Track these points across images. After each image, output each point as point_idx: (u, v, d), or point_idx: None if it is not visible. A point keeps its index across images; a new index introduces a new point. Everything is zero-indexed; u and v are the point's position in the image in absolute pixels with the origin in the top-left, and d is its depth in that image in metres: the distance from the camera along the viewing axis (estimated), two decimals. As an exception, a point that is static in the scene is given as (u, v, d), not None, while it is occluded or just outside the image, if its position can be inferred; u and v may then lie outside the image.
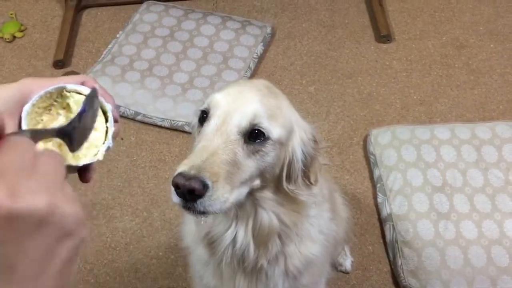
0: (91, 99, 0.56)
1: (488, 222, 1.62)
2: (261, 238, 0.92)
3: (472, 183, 1.71)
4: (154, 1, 2.51)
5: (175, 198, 0.74)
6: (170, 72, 2.18)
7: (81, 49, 2.42)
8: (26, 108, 0.54)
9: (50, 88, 0.56)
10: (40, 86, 0.56)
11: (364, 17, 2.47)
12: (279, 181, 0.88)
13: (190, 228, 1.07)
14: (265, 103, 0.82)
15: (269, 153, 0.82)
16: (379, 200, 1.76)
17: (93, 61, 2.32)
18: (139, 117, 2.07)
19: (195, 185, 0.70)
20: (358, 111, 2.08)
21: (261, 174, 0.83)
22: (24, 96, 0.55)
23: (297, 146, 0.87)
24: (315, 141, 0.90)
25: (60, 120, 0.58)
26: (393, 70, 2.24)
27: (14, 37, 2.48)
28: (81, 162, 0.56)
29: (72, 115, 0.58)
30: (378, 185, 1.80)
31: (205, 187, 0.71)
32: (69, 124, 0.53)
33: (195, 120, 0.90)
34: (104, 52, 2.30)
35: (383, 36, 2.33)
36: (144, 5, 2.48)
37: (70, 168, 0.56)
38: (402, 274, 1.58)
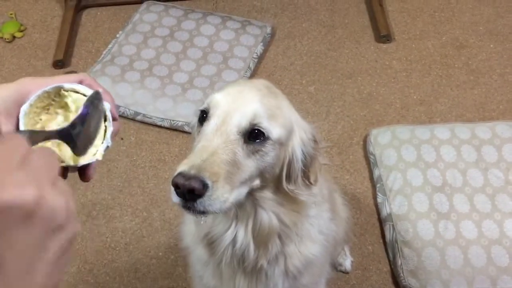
0: (96, 103, 0.56)
1: (488, 222, 1.62)
2: (261, 238, 0.92)
3: (472, 183, 1.71)
4: (154, 1, 2.51)
5: (175, 198, 0.74)
6: (170, 72, 2.18)
7: (81, 49, 2.42)
8: (24, 108, 0.54)
9: (48, 87, 0.56)
10: (38, 86, 0.56)
11: (364, 17, 2.47)
12: (279, 181, 0.88)
13: (190, 228, 1.07)
14: (265, 103, 0.82)
15: (269, 153, 0.82)
16: (379, 200, 1.76)
17: (93, 61, 2.32)
18: (139, 117, 2.07)
19: (195, 184, 0.70)
20: (358, 111, 2.08)
21: (261, 174, 0.83)
22: (22, 96, 0.55)
23: (297, 146, 0.87)
24: (315, 141, 0.90)
25: (58, 119, 0.58)
26: (393, 70, 2.24)
27: (14, 37, 2.48)
28: (80, 163, 0.56)
29: (71, 114, 0.58)
30: (378, 185, 1.80)
31: (205, 186, 0.71)
32: (71, 126, 0.52)
33: (195, 120, 0.90)
34: (104, 52, 2.30)
35: (383, 36, 2.33)
36: (144, 5, 2.48)
37: (70, 167, 0.55)
38: (402, 274, 1.58)
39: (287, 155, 0.86)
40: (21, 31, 2.50)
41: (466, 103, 2.09)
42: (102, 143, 0.57)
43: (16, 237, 0.37)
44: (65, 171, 0.56)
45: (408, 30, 2.40)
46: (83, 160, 0.56)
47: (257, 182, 0.84)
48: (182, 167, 0.73)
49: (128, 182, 1.90)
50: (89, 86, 0.59)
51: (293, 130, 0.87)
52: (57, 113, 0.58)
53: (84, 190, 1.87)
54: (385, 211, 1.71)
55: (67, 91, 0.58)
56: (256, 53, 2.26)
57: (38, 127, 0.56)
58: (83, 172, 0.57)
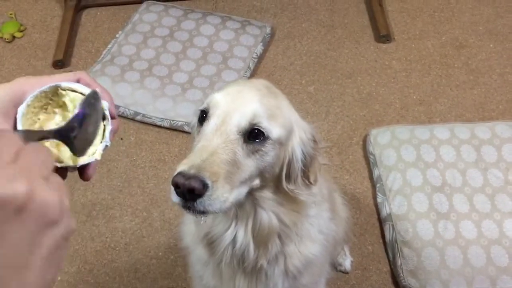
0: (93, 103, 0.55)
1: (488, 222, 1.62)
2: (261, 238, 0.92)
3: (472, 183, 1.71)
4: (154, 1, 2.51)
5: (175, 198, 0.74)
6: (169, 72, 2.18)
7: (81, 49, 2.42)
8: (21, 109, 0.54)
9: (45, 87, 0.56)
10: (34, 85, 0.55)
11: (364, 17, 2.47)
12: (278, 180, 0.88)
13: (190, 228, 1.07)
14: (265, 103, 0.82)
15: (269, 152, 0.82)
16: (379, 200, 1.76)
17: (93, 61, 2.32)
18: (138, 117, 2.07)
19: (195, 184, 0.70)
20: (358, 111, 2.09)
21: (261, 173, 0.83)
22: (18, 96, 0.54)
23: (297, 146, 0.87)
24: (314, 141, 0.90)
25: (56, 119, 0.58)
26: (392, 70, 2.24)
27: (14, 37, 2.48)
28: (79, 163, 0.55)
29: (69, 114, 0.57)
30: (378, 185, 1.80)
31: (204, 186, 0.71)
32: (68, 127, 0.52)
33: (194, 120, 0.90)
34: (104, 52, 2.30)
35: (382, 36, 2.33)
36: (143, 5, 2.48)
37: (69, 168, 0.55)
38: (401, 274, 1.58)
39: (286, 155, 0.86)
40: (21, 31, 2.50)
41: (466, 103, 2.09)
42: (101, 142, 0.57)
43: (8, 232, 0.37)
44: (64, 171, 0.56)
45: (408, 30, 2.40)
46: (82, 160, 0.56)
47: (257, 181, 0.84)
48: (182, 166, 0.73)
49: (128, 182, 1.90)
50: (87, 85, 0.59)
51: (292, 130, 0.87)
52: (55, 113, 0.58)
53: (84, 190, 1.87)
54: (384, 211, 1.71)
55: (64, 90, 0.57)
56: (256, 53, 2.26)
57: (36, 127, 0.56)
58: (83, 171, 0.57)
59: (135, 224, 1.78)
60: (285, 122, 0.85)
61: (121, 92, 2.10)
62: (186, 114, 2.00)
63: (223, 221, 0.93)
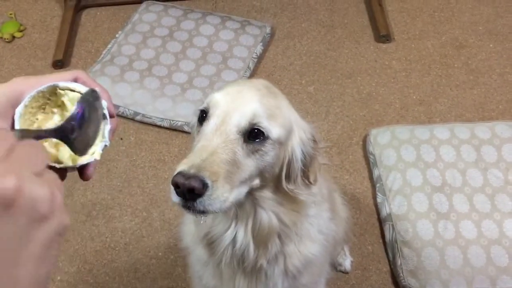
0: (91, 101, 0.54)
1: (488, 222, 1.62)
2: (260, 238, 0.91)
3: (472, 183, 1.71)
4: (153, 1, 2.51)
5: (175, 198, 0.74)
6: (169, 72, 2.18)
7: (80, 49, 2.42)
8: (19, 109, 0.53)
9: (42, 87, 0.55)
10: (31, 85, 0.55)
11: (364, 17, 2.47)
12: (278, 180, 0.88)
13: (190, 228, 1.07)
14: (265, 103, 0.82)
15: (269, 152, 0.82)
16: (379, 200, 1.76)
17: (92, 61, 2.32)
18: (138, 117, 2.06)
19: (195, 184, 0.70)
20: (358, 111, 2.08)
21: (261, 173, 0.83)
22: (15, 97, 0.54)
23: (297, 146, 0.87)
24: (314, 141, 0.90)
25: (55, 118, 0.57)
26: (392, 70, 2.24)
27: (13, 37, 2.47)
28: (78, 163, 0.55)
29: (68, 113, 0.57)
30: (378, 185, 1.80)
31: (204, 186, 0.71)
32: (65, 124, 0.51)
33: (194, 119, 0.90)
34: (104, 52, 2.30)
35: (382, 36, 2.33)
36: (143, 5, 2.48)
37: (69, 167, 0.55)
38: (401, 274, 1.58)
39: (286, 154, 0.86)
40: (21, 31, 2.50)
41: (466, 103, 2.09)
42: (100, 142, 0.57)
43: None
44: (63, 171, 0.55)
45: (408, 30, 2.40)
46: (81, 160, 0.55)
47: (256, 181, 0.84)
48: (182, 166, 0.73)
49: (128, 182, 1.90)
50: (84, 84, 0.58)
51: (292, 130, 0.87)
52: (53, 113, 0.57)
53: (83, 190, 1.87)
54: (384, 211, 1.71)
55: (63, 89, 0.57)
56: (256, 53, 2.26)
57: (34, 127, 0.55)
58: (83, 171, 0.57)
59: (135, 224, 1.78)
60: (284, 122, 0.85)
61: (121, 92, 2.10)
62: (185, 114, 2.00)
63: (223, 221, 0.93)
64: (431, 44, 2.33)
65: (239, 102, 0.81)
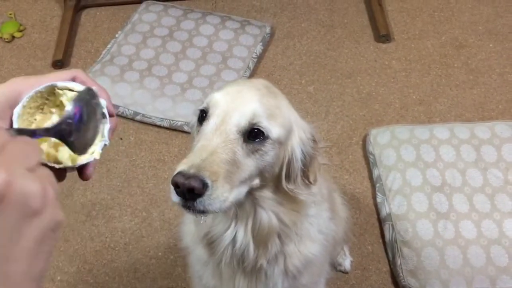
0: (89, 100, 0.54)
1: (487, 222, 1.62)
2: (260, 238, 0.91)
3: (472, 183, 1.71)
4: (153, 1, 2.51)
5: (175, 197, 0.74)
6: (169, 72, 2.18)
7: (80, 49, 2.42)
8: (17, 110, 0.53)
9: (40, 87, 0.55)
10: (30, 85, 0.54)
11: (363, 17, 2.47)
12: (278, 180, 0.88)
13: (190, 228, 1.07)
14: (264, 103, 0.82)
15: (269, 152, 0.82)
16: (378, 200, 1.76)
17: (92, 61, 2.31)
18: (138, 117, 2.06)
19: (195, 183, 0.70)
20: (357, 111, 2.08)
21: (261, 173, 0.83)
22: (14, 97, 0.53)
23: (296, 146, 0.87)
24: (314, 141, 0.90)
25: (53, 118, 0.57)
26: (392, 70, 2.24)
27: (13, 37, 2.47)
28: (78, 163, 0.55)
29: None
30: (377, 185, 1.80)
31: (204, 186, 0.71)
32: (61, 123, 0.51)
33: (194, 119, 0.90)
34: (103, 52, 2.30)
35: (382, 35, 2.33)
36: (143, 5, 2.48)
37: (68, 167, 0.55)
38: (401, 274, 1.58)
39: (286, 154, 0.86)
40: (21, 31, 2.50)
41: (466, 103, 2.09)
42: (100, 141, 0.57)
43: None
44: (63, 171, 0.55)
45: (408, 30, 2.40)
46: (80, 160, 0.55)
47: (256, 181, 0.84)
48: (182, 166, 0.73)
49: (128, 182, 1.90)
50: (83, 83, 0.58)
51: (292, 130, 0.87)
52: (51, 113, 0.57)
53: (83, 190, 1.87)
54: (384, 211, 1.71)
55: (61, 89, 0.57)
56: (256, 53, 2.26)
57: (33, 127, 0.55)
58: (82, 171, 0.57)
59: (135, 224, 1.78)
60: (284, 121, 0.85)
61: (121, 92, 2.10)
62: (185, 114, 2.00)
63: (223, 221, 0.93)
64: (431, 44, 2.33)
65: (239, 102, 0.81)
